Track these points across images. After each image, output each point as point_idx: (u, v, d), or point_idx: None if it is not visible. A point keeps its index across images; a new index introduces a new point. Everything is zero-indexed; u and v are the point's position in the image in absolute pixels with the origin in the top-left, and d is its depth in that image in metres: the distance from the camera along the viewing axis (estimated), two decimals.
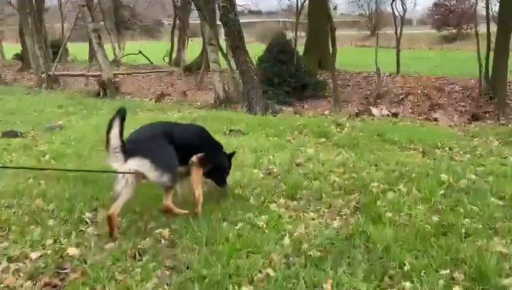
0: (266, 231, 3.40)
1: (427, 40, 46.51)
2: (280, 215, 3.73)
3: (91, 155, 5.78)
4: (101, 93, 15.49)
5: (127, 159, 3.28)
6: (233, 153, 4.34)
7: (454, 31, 45.52)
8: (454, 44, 42.71)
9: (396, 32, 18.32)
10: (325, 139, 6.99)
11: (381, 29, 37.99)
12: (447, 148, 6.42)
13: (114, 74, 16.46)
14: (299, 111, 11.02)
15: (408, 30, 46.48)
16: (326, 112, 11.81)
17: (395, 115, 12.20)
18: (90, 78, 17.15)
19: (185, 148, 3.66)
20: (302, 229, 3.47)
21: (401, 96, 14.26)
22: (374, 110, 11.84)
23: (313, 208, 3.97)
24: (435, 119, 12.06)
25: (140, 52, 25.55)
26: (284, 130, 7.53)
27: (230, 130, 7.40)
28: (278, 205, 4.04)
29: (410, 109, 13.34)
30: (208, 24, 12.83)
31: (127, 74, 19.31)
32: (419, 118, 12.20)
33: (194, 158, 3.74)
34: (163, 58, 26.23)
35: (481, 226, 3.53)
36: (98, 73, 15.75)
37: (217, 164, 3.98)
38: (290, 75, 15.26)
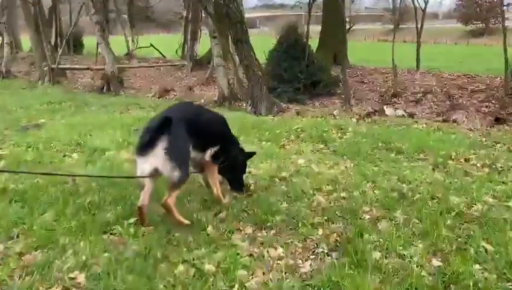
0: (212, 279, 2.65)
1: (453, 34, 44.67)
2: (238, 253, 2.98)
3: (53, 161, 5.14)
4: (105, 88, 14.95)
5: (146, 150, 3.20)
6: (253, 153, 4.16)
7: (481, 25, 43.57)
8: (481, 39, 40.78)
9: (416, 26, 17.19)
10: (323, 146, 6.20)
11: (405, 23, 36.62)
12: (462, 160, 5.53)
13: (119, 68, 15.87)
14: (302, 111, 10.14)
15: (434, 24, 44.93)
16: (335, 112, 10.93)
17: (411, 115, 11.24)
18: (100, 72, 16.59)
19: (204, 136, 3.53)
20: (260, 277, 2.71)
21: (419, 95, 13.25)
22: (388, 110, 10.92)
23: (283, 242, 3.21)
24: (455, 121, 11.03)
25: (151, 45, 24.96)
26: (279, 133, 6.76)
27: None
28: (242, 236, 3.29)
29: (429, 108, 12.33)
30: (209, 15, 12.06)
31: (131, 67, 18.72)
32: (438, 119, 11.22)
33: (207, 156, 3.63)
34: (175, 51, 25.62)
35: (495, 276, 2.71)
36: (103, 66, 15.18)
37: (232, 161, 3.78)
38: (301, 71, 14.42)
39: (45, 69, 14.67)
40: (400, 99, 13.36)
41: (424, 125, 9.39)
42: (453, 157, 5.61)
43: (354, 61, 18.68)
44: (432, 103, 12.64)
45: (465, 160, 5.54)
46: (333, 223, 3.50)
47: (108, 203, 3.70)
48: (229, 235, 3.26)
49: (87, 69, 16.02)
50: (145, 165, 3.24)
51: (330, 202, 3.89)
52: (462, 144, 6.25)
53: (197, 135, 3.42)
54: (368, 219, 3.53)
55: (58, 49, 16.45)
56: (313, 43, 17.68)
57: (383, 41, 44.02)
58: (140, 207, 3.31)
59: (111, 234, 3.20)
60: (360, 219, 3.54)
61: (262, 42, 15.72)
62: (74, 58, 22.51)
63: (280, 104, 11.43)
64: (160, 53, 25.39)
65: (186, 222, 3.32)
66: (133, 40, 28.38)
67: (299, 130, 6.96)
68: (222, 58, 12.29)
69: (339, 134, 6.76)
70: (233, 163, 3.81)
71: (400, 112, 11.23)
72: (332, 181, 4.47)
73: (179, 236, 3.17)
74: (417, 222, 3.46)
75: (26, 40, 34.25)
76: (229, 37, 10.91)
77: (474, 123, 10.89)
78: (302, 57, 14.63)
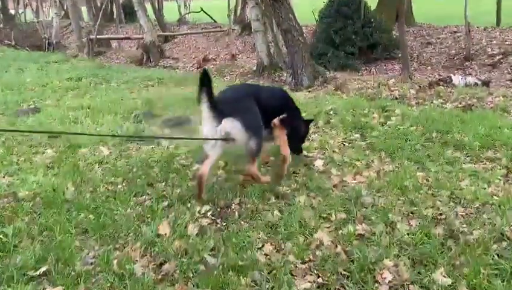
0: None
1: None
2: None
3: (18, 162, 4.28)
4: (144, 59, 14.22)
5: (221, 119, 3.20)
6: (312, 120, 4.31)
7: None
8: None
9: None
10: (358, 136, 4.81)
11: None
12: None
13: (165, 36, 15.00)
14: (345, 82, 8.59)
15: None
16: (390, 81, 9.26)
17: (485, 83, 9.25)
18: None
19: (269, 111, 3.59)
20: None
21: (497, 58, 11.05)
22: (455, 78, 9.00)
23: None
24: None
25: (201, 9, 23.85)
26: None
27: None
28: None
29: (509, 74, 10.21)
30: None
31: (172, 34, 17.77)
32: None
33: (276, 120, 3.66)
34: (227, 16, 24.32)
35: None
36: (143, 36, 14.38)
37: (295, 129, 3.84)
38: (356, 33, 12.65)
39: (84, 40, 14.11)
40: (473, 63, 11.27)
41: (501, 98, 7.53)
42: None
43: (424, 19, 16.35)
44: None
45: None
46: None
47: None
48: None
49: (127, 38, 15.30)
50: (219, 133, 3.23)
51: (328, 252, 2.59)
52: None
53: (264, 110, 3.50)
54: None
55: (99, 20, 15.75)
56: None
57: None
58: (200, 176, 3.31)
59: None
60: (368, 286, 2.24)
61: (314, 1, 13.99)
62: (124, 27, 22.03)
63: (325, 74, 9.93)
64: (211, 18, 24.22)
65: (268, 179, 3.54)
66: (185, 5, 27.51)
67: (331, 112, 5.58)
68: (261, 22, 10.87)
69: (382, 118, 5.28)
70: (297, 131, 3.90)
71: (472, 80, 9.26)
72: (346, 201, 3.16)
73: None
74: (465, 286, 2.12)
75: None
76: None
77: None
78: (356, 16, 12.81)
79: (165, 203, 3.23)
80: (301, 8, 16.70)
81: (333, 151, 4.40)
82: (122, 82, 8.50)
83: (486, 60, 11.14)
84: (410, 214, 2.98)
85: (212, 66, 13.17)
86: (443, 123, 4.81)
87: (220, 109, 3.17)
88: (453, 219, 2.87)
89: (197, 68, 13.06)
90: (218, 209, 3.11)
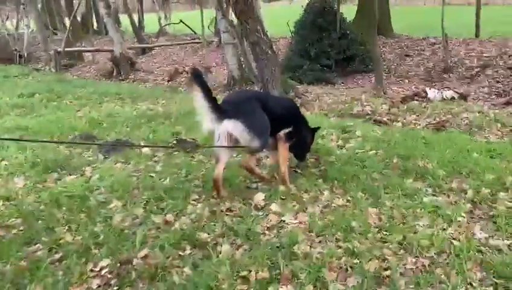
0: None
1: None
2: None
3: None
4: (114, 72, 13.63)
5: (223, 120, 3.26)
6: (318, 128, 4.24)
7: None
8: None
9: None
10: (312, 161, 4.29)
11: None
12: None
13: (132, 48, 14.48)
14: (307, 102, 8.13)
15: None
16: (363, 96, 8.81)
17: (463, 97, 8.85)
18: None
19: (276, 119, 3.58)
20: None
21: (475, 70, 10.70)
22: (431, 93, 8.57)
23: None
24: None
25: (181, 21, 23.38)
26: None
27: (178, 141, 4.92)
28: None
29: (487, 87, 9.84)
30: None
31: (141, 47, 17.24)
32: (497, 102, 8.80)
33: (282, 133, 3.71)
34: (207, 27, 23.87)
35: None
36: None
37: (301, 140, 3.91)
38: (331, 45, 12.23)
39: (51, 52, 13.52)
40: (451, 75, 10.90)
41: (477, 115, 7.11)
42: (507, 185, 3.53)
43: (403, 30, 16.01)
44: (491, 80, 10.11)
45: None
46: None
47: None
48: None
49: (97, 50, 14.72)
50: (222, 134, 3.32)
51: None
52: None
53: (271, 118, 3.51)
54: None
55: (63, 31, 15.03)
56: (351, 10, 15.32)
57: (447, 5, 39.26)
58: (215, 180, 3.45)
59: None
60: None
61: (292, 13, 13.59)
62: (103, 39, 21.43)
63: (297, 87, 9.47)
64: (191, 29, 23.74)
65: (267, 178, 3.74)
66: (165, 17, 27.04)
67: None
68: (230, 34, 10.40)
69: (341, 141, 4.78)
70: (303, 141, 3.96)
71: (449, 94, 8.83)
72: (277, 253, 2.62)
73: None
74: None
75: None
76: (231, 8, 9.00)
77: None
78: (332, 28, 12.41)
79: (57, 256, 2.66)
80: (280, 19, 16.34)
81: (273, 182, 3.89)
82: (76, 98, 7.92)
83: (464, 73, 10.78)
84: (349, 269, 2.46)
85: (183, 79, 12.65)
86: (406, 147, 4.31)
87: (222, 111, 3.25)
88: (398, 277, 2.35)
89: (168, 81, 12.53)
90: (118, 265, 2.54)
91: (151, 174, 3.94)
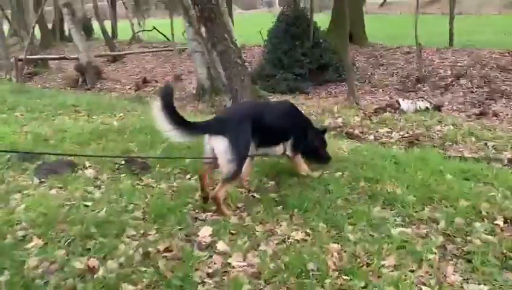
0: None
1: (497, 3, 40.04)
2: None
3: None
4: (80, 81, 13.04)
5: (210, 137, 3.28)
6: (325, 129, 4.31)
7: None
8: None
9: None
10: (272, 184, 3.89)
11: None
12: (499, 221, 3.10)
13: (99, 56, 13.92)
14: None
15: None
16: (336, 108, 8.49)
17: (437, 107, 8.62)
18: None
19: (274, 130, 3.64)
20: None
21: (449, 80, 10.53)
22: (404, 104, 8.30)
23: None
24: (495, 115, 8.39)
25: (154, 27, 22.85)
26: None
27: (125, 162, 4.44)
28: None
29: (461, 97, 9.66)
30: None
31: (111, 54, 16.68)
32: (473, 111, 8.61)
33: (288, 150, 3.79)
34: (182, 34, 23.39)
35: None
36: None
37: (309, 144, 3.90)
38: (305, 54, 11.92)
39: (12, 61, 12.85)
40: (425, 85, 10.70)
41: (451, 127, 6.85)
42: (482, 213, 3.18)
43: (378, 38, 15.83)
44: (465, 90, 9.95)
45: (505, 221, 3.11)
46: None
47: None
48: None
49: (62, 58, 14.09)
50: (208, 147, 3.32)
51: None
52: (505, 179, 3.78)
53: (264, 131, 3.49)
54: None
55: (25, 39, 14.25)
56: (326, 19, 15.07)
57: (421, 14, 39.61)
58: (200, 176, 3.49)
59: None
60: None
61: (266, 20, 13.24)
62: (69, 46, 20.70)
63: (268, 98, 9.11)
64: (164, 36, 23.21)
65: (230, 213, 3.32)
66: (139, 24, 26.44)
67: None
68: (198, 42, 9.96)
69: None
70: (312, 145, 3.93)
71: (423, 104, 8.58)
72: None
73: None
74: None
75: None
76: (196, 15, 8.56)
77: None
78: (306, 36, 12.11)
79: None
80: (257, 27, 15.96)
81: (237, 207, 3.47)
82: (28, 110, 7.34)
83: (438, 82, 10.60)
84: None
85: (151, 88, 12.16)
86: (374, 168, 3.94)
87: (209, 126, 3.31)
88: None
89: (135, 91, 12.02)
90: None
91: (87, 203, 3.45)
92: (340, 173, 3.94)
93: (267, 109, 3.91)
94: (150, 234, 2.98)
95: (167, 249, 2.75)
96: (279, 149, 3.78)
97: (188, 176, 4.11)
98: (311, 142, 3.91)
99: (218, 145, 3.21)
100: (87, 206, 3.41)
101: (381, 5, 46.18)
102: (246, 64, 13.24)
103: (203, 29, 8.42)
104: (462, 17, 20.93)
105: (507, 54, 11.37)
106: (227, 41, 8.43)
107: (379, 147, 5.56)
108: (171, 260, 2.65)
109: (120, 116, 6.72)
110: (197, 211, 3.38)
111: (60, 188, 3.84)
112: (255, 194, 3.71)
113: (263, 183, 3.93)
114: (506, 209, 3.22)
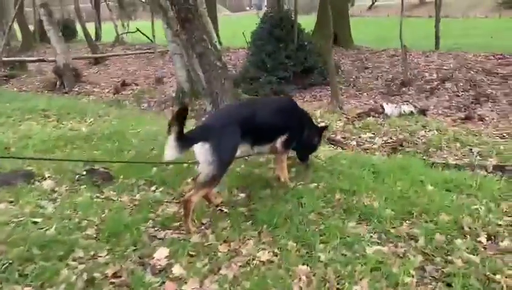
0: None
1: (484, 6, 40.36)
2: None
3: None
4: (58, 84, 12.64)
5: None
6: (326, 127, 4.25)
7: None
8: None
9: None
10: (243, 196, 3.62)
11: None
12: (482, 237, 2.87)
13: (80, 58, 13.55)
14: None
15: None
16: (318, 112, 8.25)
17: (422, 111, 8.42)
18: None
19: (269, 129, 3.53)
20: None
21: (435, 83, 10.36)
22: (388, 108, 8.09)
23: None
24: (481, 119, 8.22)
25: (137, 29, 22.46)
26: (181, 170, 4.19)
27: (87, 172, 4.13)
28: None
29: (447, 101, 9.48)
30: None
31: (90, 57, 16.30)
32: (458, 115, 8.44)
33: (279, 144, 3.60)
34: (165, 35, 23.03)
35: None
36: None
37: (303, 142, 3.81)
38: (289, 56, 11.67)
39: None
40: (410, 89, 10.52)
41: (435, 133, 6.64)
42: (464, 228, 2.95)
43: (363, 41, 15.66)
44: (451, 94, 9.77)
45: (489, 237, 2.87)
46: None
47: None
48: None
49: (41, 60, 13.68)
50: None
51: None
52: (489, 190, 3.55)
53: (258, 130, 3.39)
54: None
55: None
56: (311, 21, 14.88)
57: (408, 17, 39.73)
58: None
59: None
60: None
61: (252, 23, 12.97)
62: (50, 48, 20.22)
63: None
64: (148, 38, 22.86)
65: (194, 230, 3.04)
66: (123, 26, 26.02)
67: None
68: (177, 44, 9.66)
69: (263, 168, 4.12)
70: (305, 144, 3.87)
71: (408, 108, 8.37)
72: None
73: None
74: None
75: None
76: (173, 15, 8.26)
77: (509, 120, 8.07)
78: (290, 39, 11.87)
79: None
80: (244, 29, 15.69)
81: (201, 224, 3.19)
82: None
83: (424, 86, 10.42)
84: None
85: (130, 91, 11.81)
86: (351, 179, 3.68)
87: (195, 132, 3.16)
88: None
89: (114, 94, 11.67)
90: None
91: (36, 220, 3.14)
92: (316, 184, 3.69)
93: (261, 106, 3.73)
94: (100, 256, 2.69)
95: (115, 275, 2.46)
96: (277, 144, 3.66)
97: (153, 188, 3.83)
98: (307, 139, 3.82)
99: (200, 149, 3.05)
100: (35, 223, 3.10)
101: (370, 7, 46.30)
102: (231, 67, 13.06)
103: (181, 31, 8.17)
104: (449, 20, 20.97)
105: (492, 57, 11.24)
106: (206, 43, 8.12)
107: (361, 153, 5.35)
108: (118, 287, 2.36)
109: (90, 122, 6.40)
110: (156, 228, 3.09)
111: (11, 202, 3.52)
112: (223, 208, 3.43)
113: (233, 196, 3.65)
114: (489, 224, 2.99)
